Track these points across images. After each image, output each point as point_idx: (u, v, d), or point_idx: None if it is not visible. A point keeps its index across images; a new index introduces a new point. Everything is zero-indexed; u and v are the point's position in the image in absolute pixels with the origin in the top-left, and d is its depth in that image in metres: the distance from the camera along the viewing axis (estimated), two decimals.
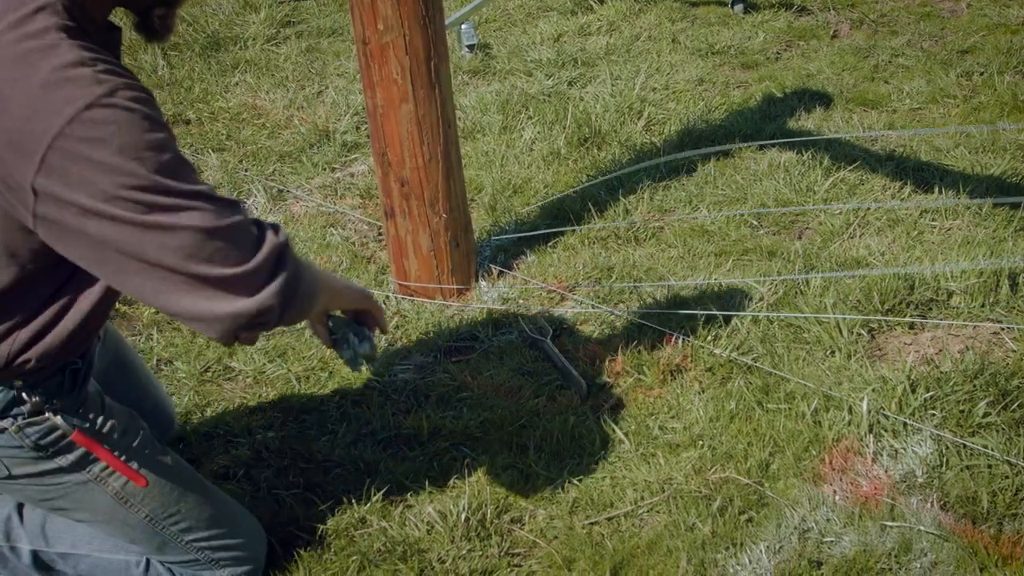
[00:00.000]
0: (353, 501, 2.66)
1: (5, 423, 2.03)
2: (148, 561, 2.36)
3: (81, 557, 2.36)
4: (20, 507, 2.39)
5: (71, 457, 2.11)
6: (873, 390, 2.86)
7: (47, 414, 2.05)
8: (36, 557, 2.35)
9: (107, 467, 2.14)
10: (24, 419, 2.04)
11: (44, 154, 1.60)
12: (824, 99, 4.82)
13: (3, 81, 1.62)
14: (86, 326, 2.00)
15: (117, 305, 3.38)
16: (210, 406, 3.06)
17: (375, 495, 2.67)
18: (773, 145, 4.33)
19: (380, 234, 3.86)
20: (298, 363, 3.20)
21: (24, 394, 2.02)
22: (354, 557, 2.49)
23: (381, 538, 2.54)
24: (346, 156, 4.54)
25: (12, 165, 1.62)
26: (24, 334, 1.95)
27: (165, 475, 2.24)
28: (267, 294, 1.78)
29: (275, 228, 1.85)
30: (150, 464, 2.22)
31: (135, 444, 2.20)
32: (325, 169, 4.43)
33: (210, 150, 4.56)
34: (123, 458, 2.14)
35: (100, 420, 2.14)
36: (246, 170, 4.39)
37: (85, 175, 1.60)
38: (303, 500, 2.67)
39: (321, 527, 2.59)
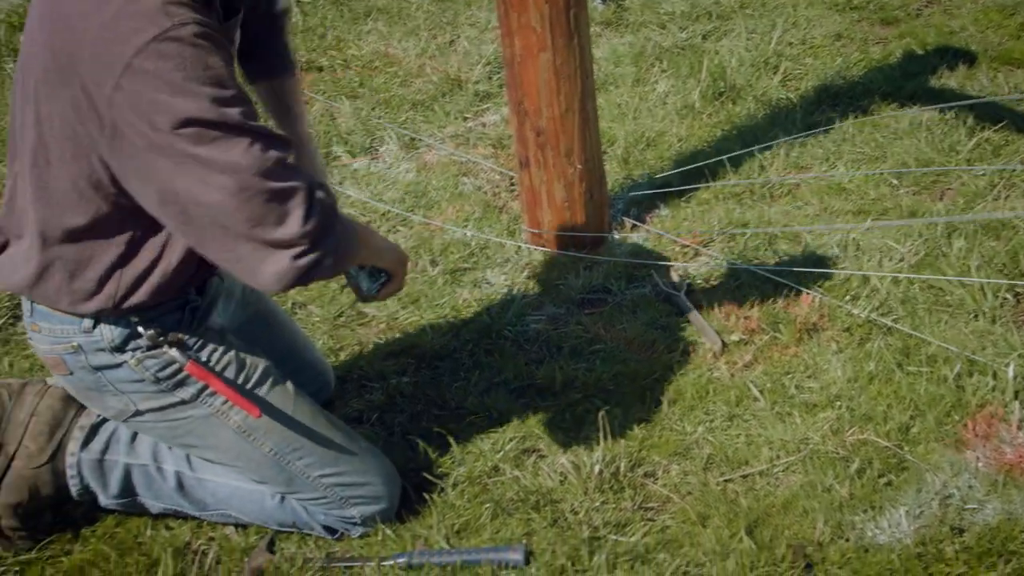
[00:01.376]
0: (486, 449, 2.67)
1: (125, 356, 2.12)
2: (283, 495, 2.42)
3: (220, 484, 2.43)
4: None
5: (190, 390, 2.19)
6: (1019, 356, 2.77)
7: (164, 347, 2.12)
8: (180, 480, 2.42)
9: (227, 401, 2.20)
10: (143, 352, 2.12)
11: (118, 79, 1.72)
12: (967, 57, 4.66)
13: (77, 14, 1.76)
14: (191, 262, 2.06)
15: None
16: (343, 350, 3.10)
17: (508, 444, 2.68)
18: (914, 104, 4.21)
19: (512, 184, 3.85)
20: (430, 310, 3.22)
21: (141, 328, 2.09)
22: (487, 504, 2.50)
23: (514, 487, 2.55)
24: (478, 105, 4.53)
25: (92, 87, 1.76)
26: (128, 274, 2.01)
27: (287, 410, 2.29)
28: (311, 259, 1.86)
29: (322, 186, 1.90)
30: (270, 398, 2.27)
31: (255, 377, 2.26)
32: (457, 118, 4.43)
33: (343, 97, 4.59)
34: (238, 390, 2.20)
35: (218, 354, 2.21)
36: (379, 117, 4.41)
37: (150, 101, 1.72)
38: (436, 446, 2.69)
39: (454, 473, 2.61)
